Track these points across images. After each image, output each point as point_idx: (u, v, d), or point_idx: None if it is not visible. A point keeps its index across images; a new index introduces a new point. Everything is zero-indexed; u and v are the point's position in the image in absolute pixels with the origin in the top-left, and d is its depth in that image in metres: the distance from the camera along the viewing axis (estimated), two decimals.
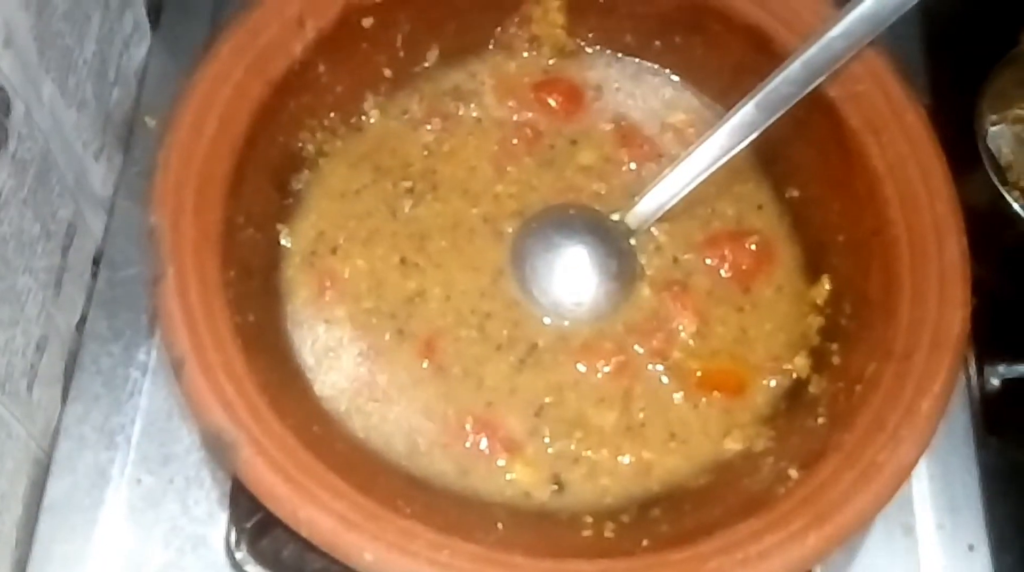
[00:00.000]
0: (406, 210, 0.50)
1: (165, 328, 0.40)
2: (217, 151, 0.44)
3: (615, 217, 0.50)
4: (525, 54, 0.54)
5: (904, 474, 0.39)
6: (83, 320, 0.53)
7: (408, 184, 0.50)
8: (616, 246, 0.49)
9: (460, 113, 0.52)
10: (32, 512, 0.48)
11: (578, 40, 0.54)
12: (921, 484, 0.50)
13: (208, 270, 0.42)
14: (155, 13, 0.61)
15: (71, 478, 0.49)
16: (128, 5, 0.57)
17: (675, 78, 0.54)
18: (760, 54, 0.49)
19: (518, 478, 0.44)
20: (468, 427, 0.45)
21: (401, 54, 0.52)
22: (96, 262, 0.54)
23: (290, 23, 0.47)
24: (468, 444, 0.45)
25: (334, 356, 0.46)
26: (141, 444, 0.50)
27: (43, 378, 0.49)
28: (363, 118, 0.52)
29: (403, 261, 0.49)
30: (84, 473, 0.49)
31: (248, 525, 0.45)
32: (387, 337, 0.47)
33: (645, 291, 0.49)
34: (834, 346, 0.46)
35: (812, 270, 0.49)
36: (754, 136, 0.47)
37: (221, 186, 0.44)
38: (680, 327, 0.48)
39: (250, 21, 0.47)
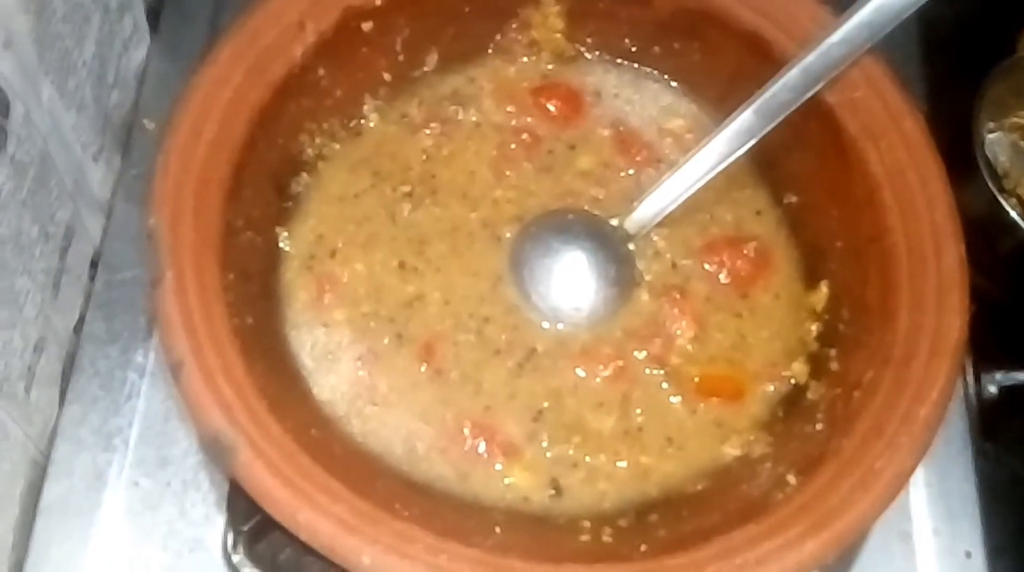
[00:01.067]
0: (405, 214, 0.50)
1: (163, 331, 0.40)
2: (216, 154, 0.44)
3: (614, 222, 0.50)
4: (524, 59, 0.54)
5: (902, 480, 0.39)
6: (81, 322, 0.53)
7: (407, 188, 0.50)
8: (615, 251, 0.49)
9: (459, 117, 0.52)
10: (29, 514, 0.48)
11: (577, 45, 0.54)
12: (918, 491, 0.50)
13: (207, 273, 0.42)
14: (154, 16, 0.61)
15: (68, 480, 0.49)
16: (127, 8, 0.57)
17: (674, 84, 0.54)
18: (758, 60, 0.49)
19: (516, 482, 0.44)
20: (466, 431, 0.45)
21: (400, 58, 0.52)
22: (94, 264, 0.54)
23: (290, 27, 0.47)
24: (466, 448, 0.45)
25: (333, 359, 0.46)
26: (139, 447, 0.49)
27: (41, 380, 0.49)
28: (362, 122, 0.52)
29: (402, 265, 0.49)
30: (81, 475, 0.49)
31: (245, 528, 0.45)
32: (386, 341, 0.47)
33: (644, 296, 0.49)
34: (832, 352, 0.46)
35: (810, 276, 0.49)
36: (752, 142, 0.47)
37: (220, 189, 0.44)
38: (678, 332, 0.48)
39: (250, 24, 0.47)
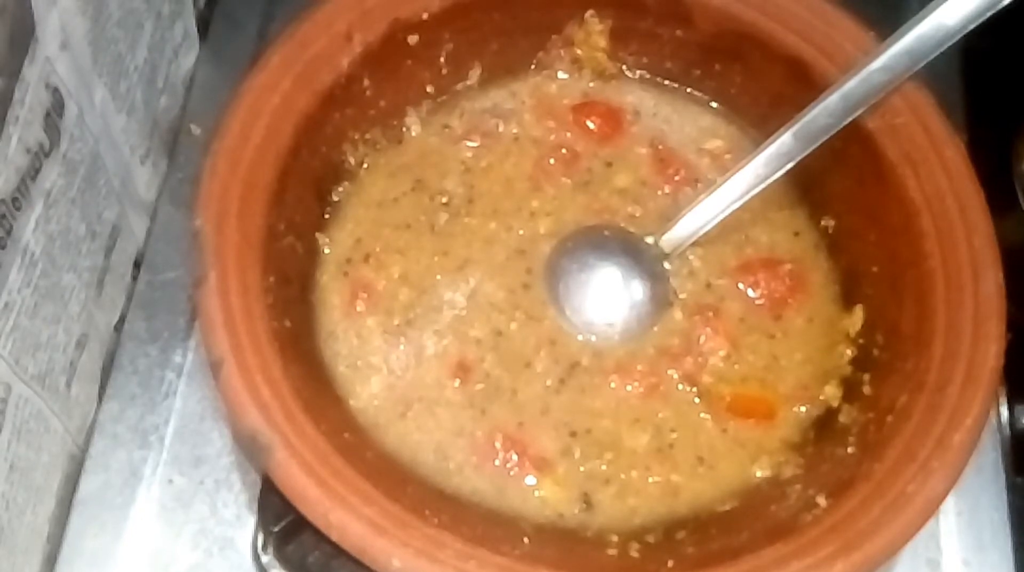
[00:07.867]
0: (441, 224, 0.50)
1: (205, 329, 0.41)
2: (262, 159, 0.45)
3: (649, 240, 0.50)
4: (566, 76, 0.55)
5: (934, 506, 0.39)
6: (122, 321, 0.54)
7: (445, 199, 0.51)
8: (650, 269, 0.49)
9: (500, 131, 0.53)
10: (65, 507, 0.49)
11: (619, 64, 0.54)
12: (948, 520, 0.50)
13: (249, 275, 0.43)
14: (204, 25, 0.62)
15: (104, 475, 0.49)
16: (179, 15, 0.58)
17: (714, 105, 0.54)
18: (799, 84, 0.49)
19: (547, 496, 0.44)
20: (498, 445, 0.45)
21: (444, 71, 0.53)
22: (137, 265, 0.55)
23: (338, 37, 0.48)
24: (497, 461, 0.45)
25: (366, 367, 0.47)
26: (174, 445, 0.50)
27: (82, 375, 0.50)
28: (404, 131, 0.52)
29: (436, 275, 0.49)
30: (117, 471, 0.49)
31: (275, 529, 0.46)
32: (418, 350, 0.47)
33: (677, 314, 0.49)
34: (866, 376, 0.45)
35: (845, 299, 0.49)
36: (790, 166, 0.47)
37: (264, 193, 0.45)
38: (711, 352, 0.48)
39: (300, 34, 0.48)
